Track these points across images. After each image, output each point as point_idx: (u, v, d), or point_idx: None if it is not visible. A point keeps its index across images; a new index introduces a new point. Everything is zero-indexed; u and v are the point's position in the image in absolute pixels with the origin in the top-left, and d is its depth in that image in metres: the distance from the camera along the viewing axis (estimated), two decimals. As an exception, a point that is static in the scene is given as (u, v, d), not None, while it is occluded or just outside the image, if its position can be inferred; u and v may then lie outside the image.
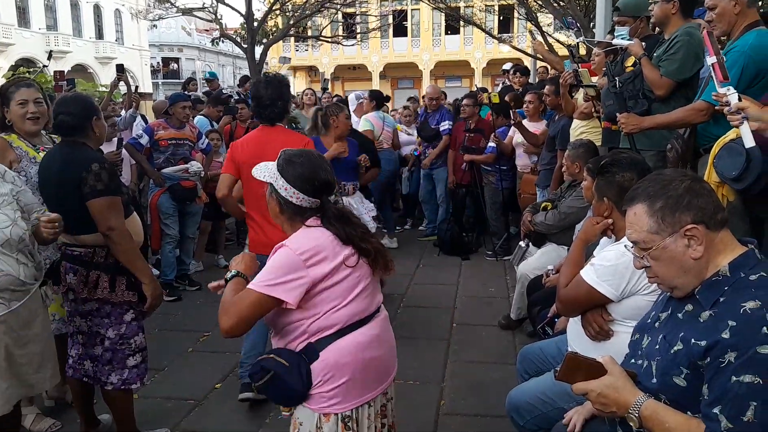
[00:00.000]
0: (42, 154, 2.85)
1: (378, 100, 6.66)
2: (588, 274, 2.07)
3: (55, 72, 6.66)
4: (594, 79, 4.26)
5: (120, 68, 6.41)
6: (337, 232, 1.89)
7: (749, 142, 2.08)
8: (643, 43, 3.31)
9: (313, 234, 1.87)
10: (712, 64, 2.15)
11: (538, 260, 3.86)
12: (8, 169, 2.48)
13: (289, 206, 1.90)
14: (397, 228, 7.39)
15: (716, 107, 2.42)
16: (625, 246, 1.59)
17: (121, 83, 6.35)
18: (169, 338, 4.20)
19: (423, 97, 7.29)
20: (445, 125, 6.52)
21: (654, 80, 3.16)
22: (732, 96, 2.10)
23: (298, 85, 33.43)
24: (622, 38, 3.71)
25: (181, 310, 4.82)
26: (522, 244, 4.13)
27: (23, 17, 28.18)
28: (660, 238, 1.42)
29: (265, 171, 1.94)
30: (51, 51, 8.36)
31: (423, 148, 6.89)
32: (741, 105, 2.07)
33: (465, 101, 6.48)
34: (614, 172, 2.22)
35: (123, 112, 6.85)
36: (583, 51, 4.61)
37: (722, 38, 2.91)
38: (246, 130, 6.34)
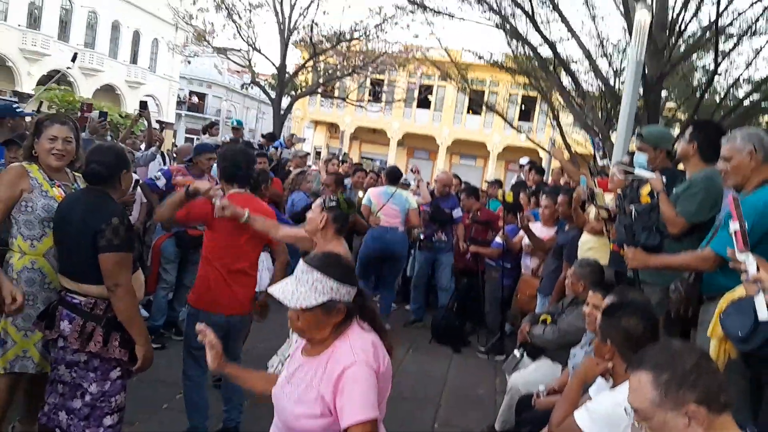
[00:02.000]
0: (56, 190, 2.87)
1: (390, 177, 6.67)
2: (582, 417, 2.05)
3: (82, 103, 6.77)
4: (608, 197, 4.33)
5: (143, 105, 6.54)
6: (379, 331, 1.88)
7: (763, 314, 2.08)
8: (664, 177, 3.37)
9: (370, 338, 1.83)
10: (735, 231, 2.18)
11: (532, 374, 3.81)
12: None
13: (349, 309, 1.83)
14: (394, 305, 7.39)
15: (729, 263, 2.44)
16: (625, 410, 1.57)
17: (143, 119, 6.48)
18: (145, 390, 4.08)
19: (435, 180, 7.25)
20: (458, 211, 6.57)
21: (669, 217, 3.20)
22: (751, 266, 2.11)
23: (317, 139, 34.07)
24: (640, 165, 3.79)
25: (163, 360, 4.70)
26: (516, 353, 4.08)
27: (64, 31, 29.08)
28: (661, 412, 1.41)
29: (309, 288, 1.79)
30: (75, 53, 8.46)
31: (429, 231, 6.75)
32: (759, 276, 2.08)
33: (463, 196, 6.60)
34: (620, 316, 2.22)
35: (142, 147, 6.96)
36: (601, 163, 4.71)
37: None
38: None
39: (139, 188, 5.32)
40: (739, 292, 2.49)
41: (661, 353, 1.47)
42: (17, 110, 3.96)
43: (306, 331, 1.83)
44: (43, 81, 27.17)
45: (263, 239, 3.46)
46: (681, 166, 3.82)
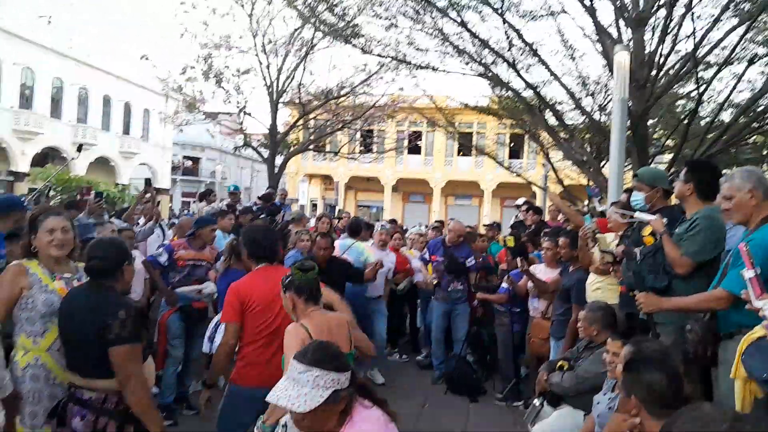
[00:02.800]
0: (58, 283, 2.86)
1: (350, 230, 6.77)
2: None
3: (80, 187, 6.86)
4: (610, 236, 4.34)
5: (148, 182, 6.62)
6: (379, 403, 1.89)
7: None
8: (665, 219, 3.39)
9: (375, 415, 1.86)
10: (750, 279, 2.20)
11: (554, 423, 3.74)
12: None
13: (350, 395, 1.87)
14: (404, 356, 7.32)
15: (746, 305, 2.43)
16: None
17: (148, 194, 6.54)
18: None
19: (448, 230, 7.15)
20: (471, 260, 6.56)
21: (675, 259, 3.21)
22: None
23: (312, 192, 34.29)
24: (636, 204, 3.82)
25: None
26: (536, 402, 4.01)
27: (56, 109, 29.58)
28: None
29: (311, 387, 1.80)
30: (81, 145, 8.61)
31: (445, 282, 6.58)
32: None
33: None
34: (641, 371, 2.20)
35: (140, 221, 6.99)
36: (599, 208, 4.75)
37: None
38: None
39: (141, 264, 5.32)
40: (759, 332, 2.48)
41: (693, 422, 1.44)
42: (23, 204, 4.00)
43: (314, 427, 1.84)
44: (37, 159, 27.47)
45: None
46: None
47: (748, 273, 2.19)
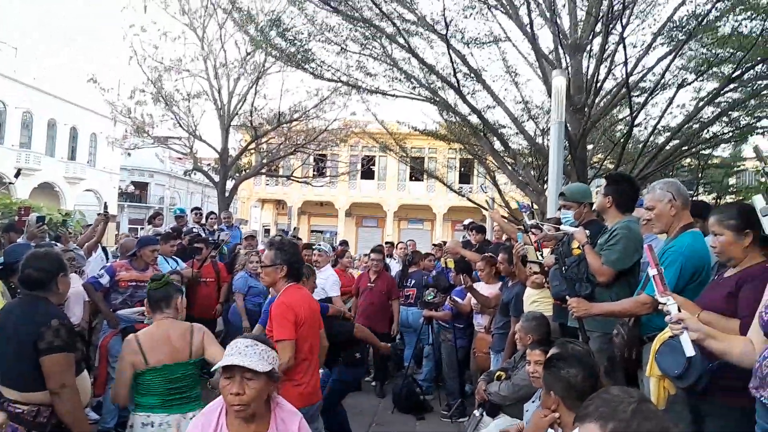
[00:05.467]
0: None
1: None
2: (536, 471, 2.11)
3: (20, 207, 6.68)
4: (546, 252, 4.54)
5: (106, 207, 6.54)
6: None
7: (689, 350, 2.22)
8: (587, 231, 3.60)
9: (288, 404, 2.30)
10: (653, 276, 2.37)
11: (492, 432, 3.84)
12: None
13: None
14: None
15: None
16: None
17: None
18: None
19: (444, 253, 7.34)
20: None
21: (596, 268, 3.41)
22: (672, 307, 2.28)
23: (264, 217, 34.03)
24: (567, 221, 4.04)
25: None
26: (476, 413, 4.12)
27: (-2, 133, 28.63)
28: None
29: (258, 358, 2.00)
30: (19, 169, 8.40)
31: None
32: (680, 316, 2.25)
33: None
34: (560, 367, 2.34)
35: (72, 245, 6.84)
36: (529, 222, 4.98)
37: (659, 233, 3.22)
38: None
39: (82, 287, 5.22)
40: (669, 332, 2.66)
41: (603, 403, 1.55)
42: None
43: (255, 400, 1.99)
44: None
45: None
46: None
47: (652, 271, 2.37)
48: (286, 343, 3.13)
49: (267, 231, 31.73)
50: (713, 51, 9.40)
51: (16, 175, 7.95)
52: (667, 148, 10.33)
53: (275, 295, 3.53)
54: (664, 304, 2.29)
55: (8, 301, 2.87)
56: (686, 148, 10.09)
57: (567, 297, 3.29)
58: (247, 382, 1.97)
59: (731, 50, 8.76)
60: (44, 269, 2.66)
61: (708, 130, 10.67)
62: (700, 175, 14.47)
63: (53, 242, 6.11)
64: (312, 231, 33.91)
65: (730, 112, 10.35)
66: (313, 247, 7.21)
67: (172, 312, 3.06)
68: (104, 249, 7.19)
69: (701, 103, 9.83)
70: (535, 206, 10.29)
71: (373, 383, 7.01)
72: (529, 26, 8.71)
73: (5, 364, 2.61)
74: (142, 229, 23.63)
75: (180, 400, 2.86)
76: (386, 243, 11.51)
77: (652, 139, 11.08)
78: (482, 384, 4.09)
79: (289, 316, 3.20)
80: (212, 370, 2.12)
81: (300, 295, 3.42)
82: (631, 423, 1.49)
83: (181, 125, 16.94)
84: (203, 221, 9.64)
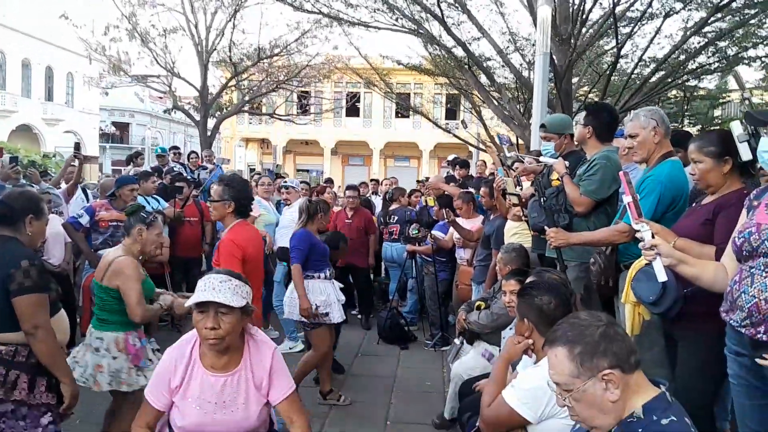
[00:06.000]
0: None
1: None
2: (509, 395, 2.17)
3: (-8, 148, 6.51)
4: (526, 184, 4.55)
5: (77, 146, 6.40)
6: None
7: (662, 276, 2.25)
8: (567, 162, 3.58)
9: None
10: (628, 203, 2.37)
11: (472, 360, 3.95)
12: None
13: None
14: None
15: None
16: (548, 383, 1.68)
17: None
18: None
19: (426, 189, 7.42)
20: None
21: (574, 198, 3.41)
22: (646, 233, 2.29)
23: (249, 156, 33.65)
24: (547, 153, 4.01)
25: (99, 397, 4.58)
26: (457, 341, 4.23)
27: (-29, 75, 27.72)
28: (580, 382, 1.52)
29: (232, 293, 2.02)
30: None
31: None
32: (654, 242, 2.26)
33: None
34: (534, 295, 2.37)
35: (63, 185, 6.74)
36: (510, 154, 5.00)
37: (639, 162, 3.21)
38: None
39: (62, 228, 5.17)
40: (644, 260, 2.69)
41: (571, 329, 1.58)
42: None
43: (230, 334, 2.02)
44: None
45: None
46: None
47: (627, 198, 2.37)
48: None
49: (252, 170, 31.48)
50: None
51: None
52: (653, 79, 10.22)
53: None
54: (639, 231, 2.30)
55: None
56: (672, 79, 9.97)
57: (545, 228, 3.30)
58: (221, 317, 1.99)
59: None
60: (12, 207, 2.60)
61: (694, 61, 10.54)
62: (685, 106, 14.39)
63: (28, 183, 6.03)
64: (298, 170, 33.69)
65: (716, 42, 10.19)
66: (282, 184, 7.24)
67: (131, 240, 3.33)
68: (84, 189, 7.09)
69: (688, 32, 9.65)
70: (520, 141, 10.24)
71: (359, 316, 7.15)
72: (514, -48, 8.41)
73: None
74: (124, 170, 23.38)
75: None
76: (371, 180, 11.48)
77: (638, 70, 10.94)
78: (462, 314, 4.17)
79: (236, 253, 3.32)
80: (185, 305, 2.11)
81: (247, 232, 3.50)
82: (598, 346, 1.52)
83: (158, 62, 16.45)
84: (183, 160, 9.50)
